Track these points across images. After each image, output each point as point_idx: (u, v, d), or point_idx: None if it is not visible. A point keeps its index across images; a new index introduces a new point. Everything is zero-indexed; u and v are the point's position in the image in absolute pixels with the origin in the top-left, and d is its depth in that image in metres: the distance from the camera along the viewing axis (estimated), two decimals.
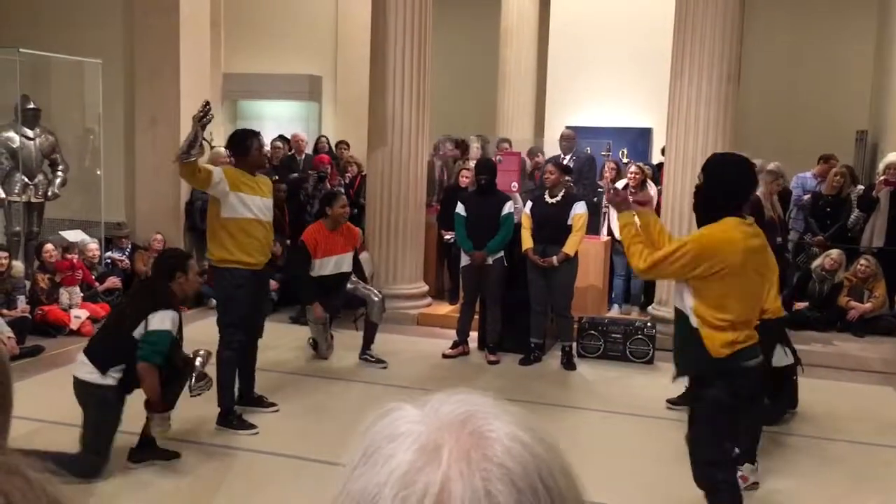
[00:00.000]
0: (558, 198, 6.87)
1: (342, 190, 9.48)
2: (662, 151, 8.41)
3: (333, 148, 11.03)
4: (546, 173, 7.06)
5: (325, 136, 11.24)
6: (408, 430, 0.63)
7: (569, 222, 6.78)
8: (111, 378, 4.46)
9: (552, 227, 6.79)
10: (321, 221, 6.68)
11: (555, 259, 6.74)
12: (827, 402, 6.26)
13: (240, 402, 5.50)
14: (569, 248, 6.73)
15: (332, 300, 6.73)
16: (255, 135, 5.41)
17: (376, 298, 6.86)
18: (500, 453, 0.60)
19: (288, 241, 8.97)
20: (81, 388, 4.55)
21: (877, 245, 8.51)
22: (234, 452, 4.95)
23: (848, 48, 13.26)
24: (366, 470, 0.62)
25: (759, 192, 8.20)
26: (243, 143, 5.33)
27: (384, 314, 7.04)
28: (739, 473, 4.25)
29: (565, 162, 9.36)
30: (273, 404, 5.72)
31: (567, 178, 7.12)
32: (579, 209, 6.81)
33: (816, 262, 8.36)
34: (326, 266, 6.58)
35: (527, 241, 6.88)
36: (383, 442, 0.63)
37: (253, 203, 5.19)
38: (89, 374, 4.50)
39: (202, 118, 4.99)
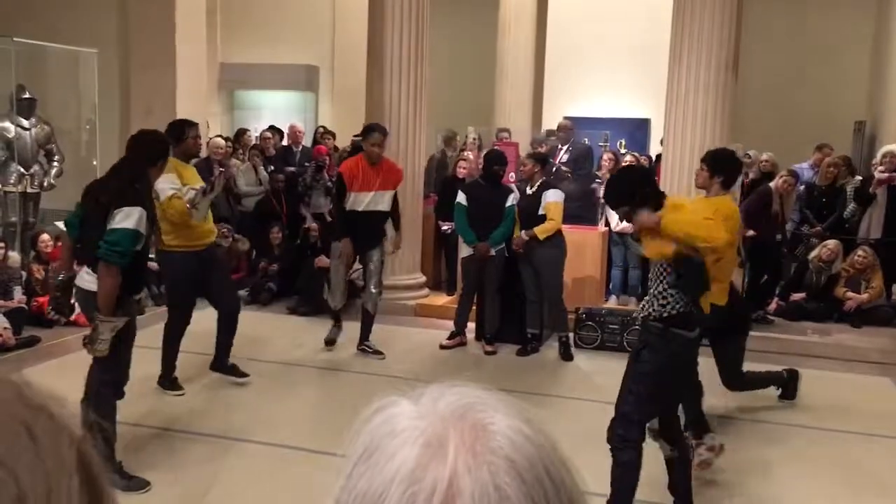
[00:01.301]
0: (535, 188, 6.94)
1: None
2: (661, 143, 8.39)
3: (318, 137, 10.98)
4: (521, 166, 7.22)
5: (322, 127, 11.20)
6: (409, 425, 0.62)
7: (541, 211, 6.80)
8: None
9: (528, 216, 6.88)
10: (361, 155, 6.59)
11: (523, 233, 6.82)
12: (825, 393, 6.26)
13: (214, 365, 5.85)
14: (538, 230, 6.77)
15: (362, 240, 6.58)
16: (192, 125, 5.68)
17: (374, 290, 6.76)
18: (504, 445, 0.59)
19: (286, 232, 8.96)
20: (84, 298, 4.24)
21: (874, 236, 8.51)
22: (233, 443, 4.95)
23: (846, 38, 13.23)
24: (368, 468, 0.61)
25: (774, 184, 8.19)
26: (181, 130, 5.54)
27: (377, 306, 6.91)
28: (706, 445, 4.49)
29: (561, 152, 9.37)
30: (245, 374, 5.89)
31: (541, 167, 7.11)
32: (550, 197, 6.85)
33: (813, 253, 8.36)
34: (361, 202, 6.47)
35: (514, 232, 6.98)
36: (384, 439, 0.62)
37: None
38: (89, 282, 4.18)
39: (210, 191, 5.33)
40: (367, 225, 6.53)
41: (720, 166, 4.44)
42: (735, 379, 5.41)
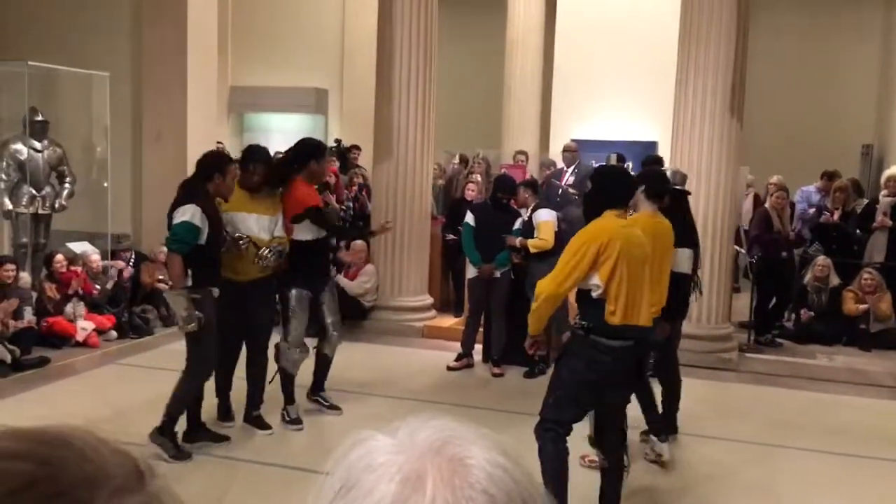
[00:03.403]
0: (529, 213, 7.05)
1: (349, 205, 9.51)
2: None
3: (346, 151, 11.09)
4: (518, 195, 7.26)
5: (339, 140, 11.27)
6: (386, 460, 0.61)
7: (536, 234, 6.89)
8: (188, 278, 4.80)
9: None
10: (303, 178, 5.53)
11: (518, 240, 6.91)
12: (834, 417, 6.23)
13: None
14: (530, 242, 6.85)
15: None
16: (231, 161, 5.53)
17: (335, 333, 5.88)
18: (482, 480, 0.59)
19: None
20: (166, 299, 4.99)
21: (878, 260, 8.51)
22: (238, 464, 4.95)
23: (853, 62, 13.26)
24: (345, 503, 0.61)
25: (767, 204, 8.28)
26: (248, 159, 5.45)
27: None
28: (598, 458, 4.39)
29: (567, 174, 9.41)
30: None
31: (532, 192, 7.20)
32: (541, 217, 6.93)
33: (807, 277, 8.38)
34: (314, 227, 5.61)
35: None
36: (362, 474, 0.61)
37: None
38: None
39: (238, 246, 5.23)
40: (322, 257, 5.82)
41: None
42: (663, 365, 5.36)
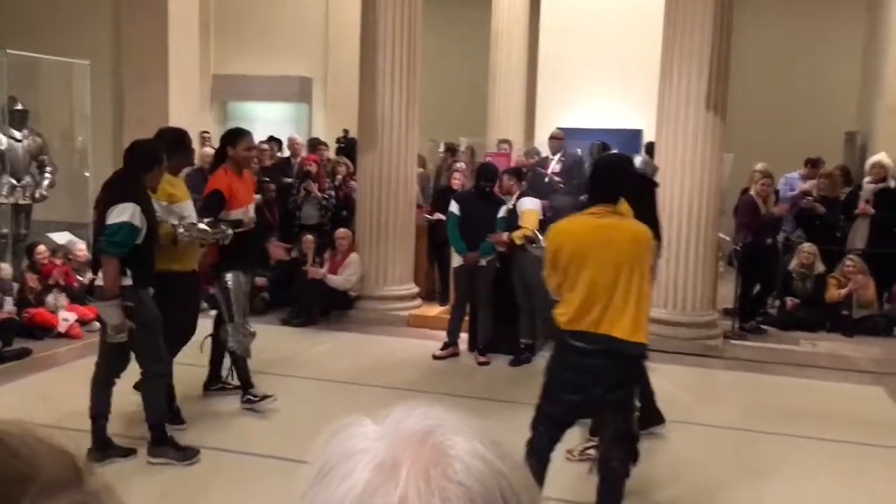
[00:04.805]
0: (514, 201, 7.04)
1: (331, 194, 9.47)
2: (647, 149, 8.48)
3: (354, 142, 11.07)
4: (503, 182, 7.26)
5: (346, 130, 11.27)
6: (365, 447, 0.61)
7: (519, 222, 6.89)
8: (127, 279, 4.49)
9: (512, 229, 6.94)
10: (228, 165, 5.47)
11: (504, 235, 6.90)
12: (818, 403, 6.27)
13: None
14: (514, 234, 6.85)
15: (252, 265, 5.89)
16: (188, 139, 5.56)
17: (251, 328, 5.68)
18: (459, 471, 0.58)
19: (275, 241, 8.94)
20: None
21: (859, 246, 8.57)
22: (221, 454, 4.92)
23: (837, 48, 13.31)
24: (321, 489, 0.60)
25: (752, 192, 8.32)
26: (181, 140, 5.37)
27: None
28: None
29: (553, 162, 9.41)
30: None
31: (517, 180, 7.21)
32: (524, 205, 6.96)
33: (793, 263, 8.44)
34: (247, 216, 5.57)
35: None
36: (340, 459, 0.61)
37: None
38: (99, 280, 4.55)
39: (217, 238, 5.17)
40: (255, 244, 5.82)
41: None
42: None
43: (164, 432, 4.74)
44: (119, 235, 4.38)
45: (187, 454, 4.71)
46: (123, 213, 4.39)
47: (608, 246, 3.64)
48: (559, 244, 3.74)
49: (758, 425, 5.68)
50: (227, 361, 5.82)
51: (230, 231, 5.19)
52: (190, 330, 5.32)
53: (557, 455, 4.57)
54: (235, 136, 5.60)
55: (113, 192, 4.52)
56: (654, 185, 5.37)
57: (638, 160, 5.29)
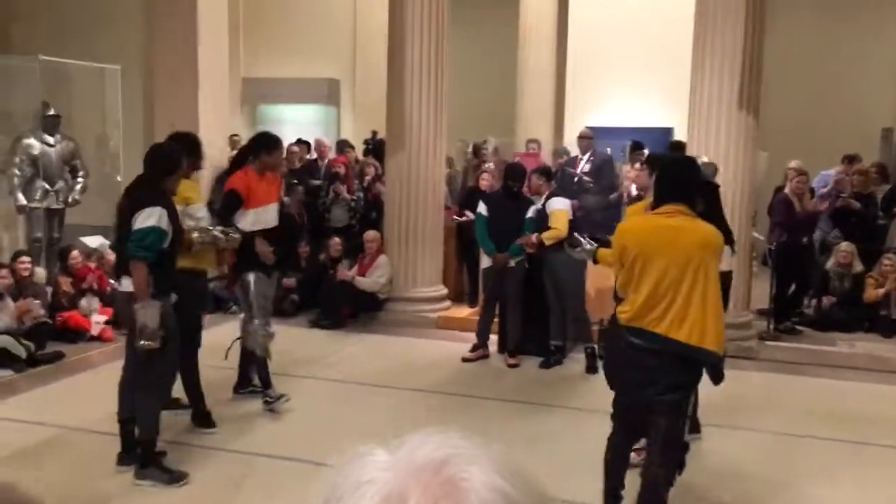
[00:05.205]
0: (543, 201, 6.98)
1: (360, 196, 9.47)
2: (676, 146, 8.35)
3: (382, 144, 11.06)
4: (531, 182, 7.17)
5: (375, 132, 11.27)
6: (374, 477, 0.58)
7: (550, 223, 6.83)
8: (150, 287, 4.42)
9: (541, 229, 6.87)
10: (254, 168, 5.54)
11: (533, 237, 6.84)
12: (856, 406, 6.13)
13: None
14: (544, 235, 6.79)
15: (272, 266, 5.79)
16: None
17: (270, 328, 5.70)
18: None
19: (312, 246, 8.96)
20: (123, 302, 4.61)
21: None
22: (246, 458, 4.91)
23: (872, 44, 13.05)
24: None
25: (787, 190, 8.16)
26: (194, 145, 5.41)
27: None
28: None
29: (582, 162, 9.32)
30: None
31: (546, 180, 7.12)
32: (554, 205, 6.88)
33: (831, 262, 8.28)
34: (267, 217, 5.59)
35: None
36: (348, 489, 0.58)
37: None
38: (125, 286, 4.54)
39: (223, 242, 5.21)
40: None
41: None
42: None
43: (153, 452, 4.56)
44: (148, 240, 4.37)
45: (174, 477, 4.51)
46: (150, 217, 4.37)
47: (672, 247, 3.61)
48: (625, 243, 3.74)
49: (794, 429, 5.56)
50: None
51: (239, 236, 5.25)
52: (193, 332, 5.19)
53: (577, 457, 4.53)
54: (273, 144, 5.69)
55: (138, 198, 4.50)
56: (716, 186, 5.29)
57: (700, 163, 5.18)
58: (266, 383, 5.68)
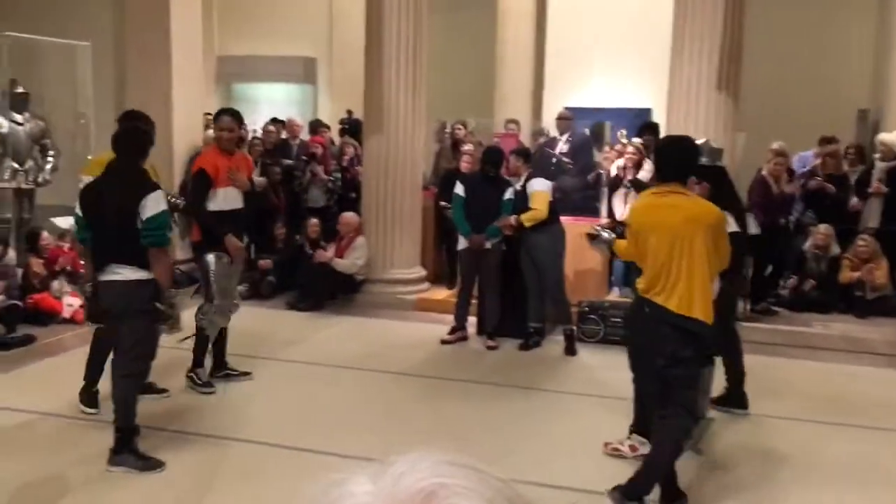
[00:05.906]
0: (522, 182, 6.93)
1: (338, 176, 9.37)
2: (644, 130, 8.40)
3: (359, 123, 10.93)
4: (510, 163, 7.14)
5: (350, 111, 11.13)
6: None
7: (529, 204, 6.79)
8: (131, 272, 4.34)
9: (519, 211, 6.83)
10: (214, 146, 5.67)
11: (512, 218, 6.80)
12: (830, 386, 6.18)
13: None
14: (523, 217, 6.76)
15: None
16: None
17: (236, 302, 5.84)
18: None
19: (283, 227, 8.86)
20: (124, 289, 4.35)
21: (873, 225, 8.43)
22: (227, 443, 4.85)
23: (849, 25, 13.09)
24: None
25: (764, 171, 8.17)
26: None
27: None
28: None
29: (561, 142, 9.28)
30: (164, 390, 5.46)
31: (524, 161, 7.09)
32: (534, 186, 6.85)
33: (808, 243, 8.33)
34: (231, 199, 5.57)
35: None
36: None
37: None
38: (126, 273, 4.34)
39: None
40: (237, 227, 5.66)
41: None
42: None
43: (130, 439, 4.43)
44: (164, 225, 4.40)
45: (149, 464, 4.41)
46: (159, 203, 4.34)
47: (661, 224, 3.89)
48: (630, 221, 4.15)
49: (766, 409, 5.57)
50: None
51: (182, 200, 5.46)
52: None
53: (555, 439, 4.53)
54: (216, 117, 5.84)
55: (133, 185, 4.38)
56: (722, 170, 5.27)
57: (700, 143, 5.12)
58: (198, 363, 5.64)
